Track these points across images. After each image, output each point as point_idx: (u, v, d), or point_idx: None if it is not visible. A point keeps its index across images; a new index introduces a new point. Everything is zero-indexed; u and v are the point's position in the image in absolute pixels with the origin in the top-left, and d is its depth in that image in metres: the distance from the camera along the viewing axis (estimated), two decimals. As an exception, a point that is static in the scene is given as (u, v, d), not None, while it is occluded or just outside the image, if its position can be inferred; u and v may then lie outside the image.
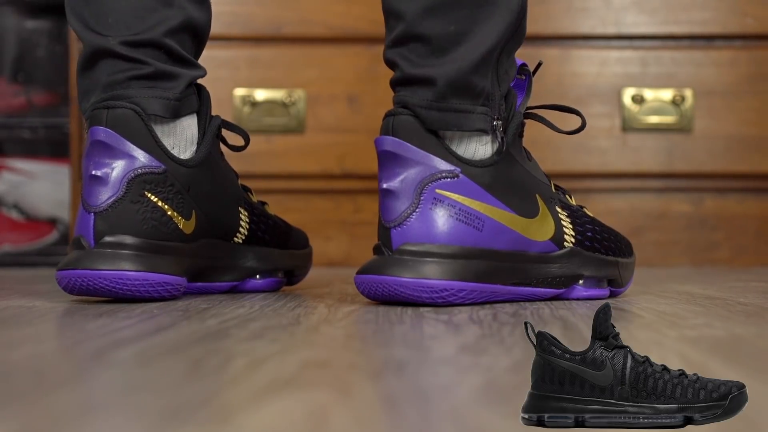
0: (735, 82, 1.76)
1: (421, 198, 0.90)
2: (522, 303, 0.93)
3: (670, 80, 1.76)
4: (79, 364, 0.59)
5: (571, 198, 1.01)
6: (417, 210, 0.90)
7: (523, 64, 0.96)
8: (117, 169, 0.94)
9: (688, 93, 1.75)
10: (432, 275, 0.88)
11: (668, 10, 1.76)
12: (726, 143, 1.75)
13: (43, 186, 1.91)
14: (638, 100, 1.75)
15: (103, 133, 0.94)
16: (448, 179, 0.90)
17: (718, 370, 0.54)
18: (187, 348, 0.65)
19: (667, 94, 1.75)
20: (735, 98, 1.76)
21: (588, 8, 1.76)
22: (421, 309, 0.88)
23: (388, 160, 0.91)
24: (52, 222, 1.91)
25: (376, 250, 0.92)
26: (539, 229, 0.95)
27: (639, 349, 0.63)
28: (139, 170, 0.94)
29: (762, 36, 1.76)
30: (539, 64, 1.00)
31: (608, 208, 1.76)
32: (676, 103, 1.75)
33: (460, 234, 0.90)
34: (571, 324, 0.76)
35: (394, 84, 0.94)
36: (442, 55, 0.92)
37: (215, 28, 1.77)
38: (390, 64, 0.95)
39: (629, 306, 0.91)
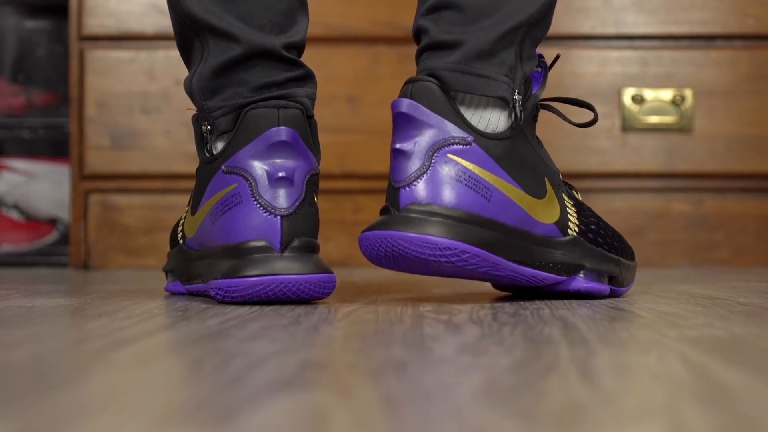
0: (735, 82, 1.76)
1: (433, 161, 0.90)
2: (522, 303, 0.93)
3: (670, 80, 1.76)
4: (79, 364, 0.59)
5: (577, 194, 1.01)
6: (427, 172, 0.90)
7: (540, 56, 0.98)
8: (299, 170, 0.93)
9: (688, 93, 1.75)
10: (437, 233, 0.88)
11: (668, 10, 1.76)
12: (726, 143, 1.76)
13: (43, 186, 1.91)
14: (638, 100, 1.75)
15: (285, 132, 0.92)
16: (461, 146, 0.90)
17: (718, 370, 0.54)
18: (187, 348, 0.65)
19: (667, 94, 1.76)
20: (735, 98, 1.76)
21: (588, 8, 1.76)
22: (421, 309, 0.88)
23: (403, 122, 0.91)
24: (52, 222, 1.91)
25: (383, 210, 0.92)
26: (545, 211, 0.95)
27: (639, 349, 0.63)
28: (315, 171, 0.94)
29: (762, 36, 1.76)
30: (557, 57, 1.03)
31: (608, 208, 1.76)
32: (676, 103, 1.75)
33: (468, 200, 0.90)
34: (571, 324, 0.76)
35: (421, 50, 0.95)
36: (472, 23, 0.93)
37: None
38: (419, 32, 0.95)
39: (629, 306, 0.91)
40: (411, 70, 1.75)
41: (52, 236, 1.91)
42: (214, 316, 0.82)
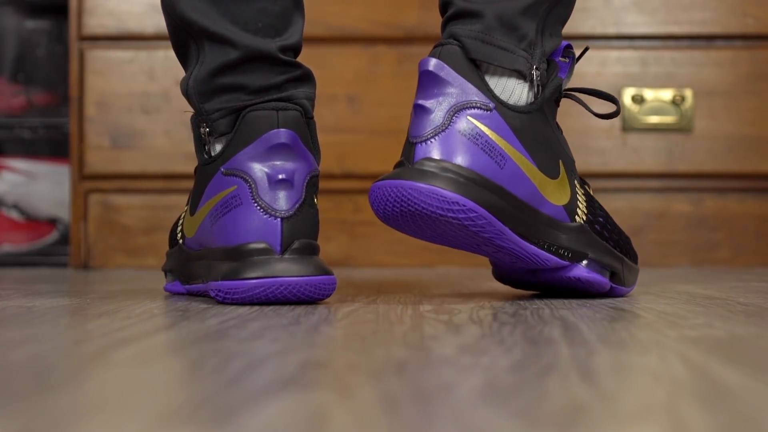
0: (735, 82, 1.76)
1: (452, 120, 0.90)
2: (522, 303, 0.93)
3: (670, 80, 1.76)
4: (79, 364, 0.59)
5: (590, 189, 1.02)
6: (445, 130, 0.90)
7: (569, 45, 0.99)
8: (298, 172, 0.93)
9: (688, 93, 1.75)
10: (447, 188, 0.88)
11: (668, 10, 1.76)
12: (726, 143, 1.76)
13: (43, 186, 1.91)
14: (638, 100, 1.75)
15: (285, 134, 0.92)
16: (482, 110, 0.91)
17: (718, 370, 0.54)
18: (187, 348, 0.65)
19: (667, 94, 1.76)
20: (735, 98, 1.76)
21: (588, 8, 1.76)
22: (421, 309, 0.88)
23: (428, 80, 0.92)
24: (52, 222, 1.91)
25: (398, 165, 0.92)
26: (555, 192, 0.95)
27: (639, 350, 0.63)
28: (314, 172, 0.94)
29: (762, 36, 1.76)
30: (586, 49, 1.04)
31: (608, 208, 1.76)
32: (676, 103, 1.75)
33: (482, 163, 0.90)
34: (571, 324, 0.76)
35: (447, 20, 0.96)
36: None
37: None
38: (445, 4, 0.96)
39: (629, 306, 0.91)
40: (411, 70, 1.75)
41: (52, 236, 1.91)
42: (214, 316, 0.82)
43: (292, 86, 0.96)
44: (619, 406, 0.45)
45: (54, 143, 1.93)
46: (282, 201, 0.92)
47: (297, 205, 0.92)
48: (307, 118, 0.96)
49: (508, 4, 0.94)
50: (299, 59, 0.99)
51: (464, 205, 0.89)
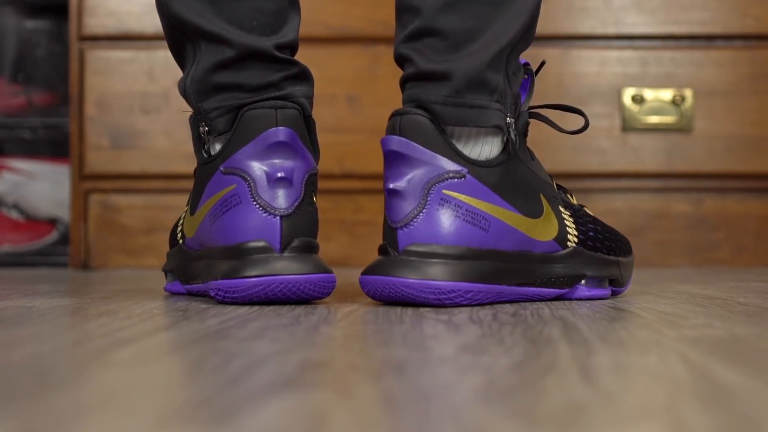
0: (735, 82, 1.76)
1: (428, 198, 0.89)
2: (522, 303, 0.93)
3: (670, 80, 1.76)
4: (79, 364, 0.59)
5: (572, 197, 1.01)
6: (423, 210, 0.89)
7: (526, 64, 0.97)
8: (297, 171, 0.93)
9: (688, 93, 1.75)
10: (439, 277, 0.88)
11: (668, 10, 1.76)
12: (726, 143, 1.75)
13: (43, 186, 1.91)
14: (638, 100, 1.75)
15: (283, 133, 0.92)
16: (455, 179, 0.90)
17: (718, 370, 0.54)
18: (187, 348, 0.65)
19: (667, 94, 1.75)
20: (735, 98, 1.76)
21: (588, 8, 1.76)
22: (421, 309, 0.88)
23: (395, 160, 0.90)
24: (52, 222, 1.91)
25: (382, 250, 0.92)
26: (543, 229, 0.95)
27: (639, 349, 0.63)
28: (313, 171, 0.94)
29: (762, 36, 1.76)
30: (542, 63, 1.01)
31: (608, 208, 1.76)
32: (676, 103, 1.75)
33: (467, 235, 0.90)
34: (571, 324, 0.76)
35: (406, 80, 0.94)
36: (457, 50, 0.91)
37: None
38: (402, 59, 0.94)
39: (629, 306, 0.91)
40: (411, 70, 1.75)
41: (52, 236, 1.91)
42: (214, 316, 0.81)
43: (290, 84, 0.96)
44: (619, 406, 0.45)
45: (54, 143, 1.93)
46: (281, 199, 0.91)
47: (296, 204, 0.92)
48: (306, 116, 0.96)
49: (472, 60, 0.91)
50: (299, 58, 0.99)
51: (459, 290, 0.89)
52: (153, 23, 1.76)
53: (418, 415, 0.43)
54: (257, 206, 0.91)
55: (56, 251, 1.89)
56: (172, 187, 1.76)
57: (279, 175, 0.92)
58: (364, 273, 0.91)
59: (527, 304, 0.93)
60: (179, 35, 0.98)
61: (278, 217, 0.91)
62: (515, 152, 0.94)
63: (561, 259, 0.96)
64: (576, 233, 0.98)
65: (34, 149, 1.94)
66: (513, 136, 0.93)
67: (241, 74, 0.95)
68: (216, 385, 0.49)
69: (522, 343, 0.65)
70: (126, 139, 1.76)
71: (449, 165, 0.90)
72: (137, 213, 1.76)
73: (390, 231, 0.90)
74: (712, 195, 1.76)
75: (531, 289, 0.94)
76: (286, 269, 0.90)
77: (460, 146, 0.92)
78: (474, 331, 0.71)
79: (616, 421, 0.42)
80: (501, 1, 0.93)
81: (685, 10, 1.76)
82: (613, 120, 1.76)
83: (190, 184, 1.66)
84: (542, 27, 1.72)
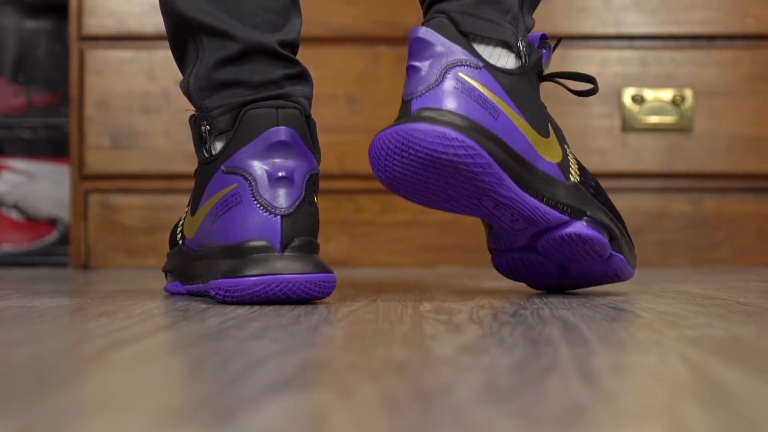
0: (735, 82, 1.76)
1: (444, 77, 0.91)
2: (522, 303, 0.93)
3: (670, 80, 1.76)
4: (79, 364, 0.59)
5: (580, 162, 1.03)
6: (439, 85, 0.91)
7: (544, 36, 1.00)
8: (298, 170, 0.93)
9: (688, 93, 1.75)
10: (448, 127, 0.89)
11: (668, 10, 1.76)
12: (726, 143, 1.75)
13: (43, 186, 1.91)
14: (638, 100, 1.75)
15: (284, 132, 0.92)
16: (472, 68, 0.92)
17: (718, 370, 0.54)
18: (187, 348, 0.65)
19: (667, 94, 1.75)
20: (735, 98, 1.76)
21: (588, 8, 1.76)
22: (421, 309, 0.88)
23: (419, 46, 0.93)
24: (52, 222, 1.91)
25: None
26: (547, 149, 0.96)
27: (639, 349, 0.63)
28: (314, 170, 0.94)
29: (763, 36, 1.76)
30: (558, 41, 1.05)
31: (608, 208, 1.76)
32: (676, 103, 1.75)
33: (477, 113, 0.91)
34: (571, 324, 0.76)
35: None
36: None
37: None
38: None
39: (629, 306, 0.91)
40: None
41: (52, 236, 1.91)
42: (214, 316, 0.82)
43: (290, 84, 0.96)
44: (619, 406, 0.45)
45: (54, 143, 1.93)
46: (282, 199, 0.92)
47: (297, 203, 0.92)
48: (305, 116, 0.96)
49: None
50: (299, 57, 0.99)
51: (464, 142, 0.89)
52: (153, 23, 1.76)
53: (418, 415, 0.43)
54: (258, 205, 0.91)
55: (56, 251, 1.89)
56: (172, 187, 1.76)
57: (280, 174, 0.92)
58: (375, 136, 0.92)
59: (527, 303, 0.93)
60: (182, 34, 0.98)
61: (279, 217, 0.91)
62: (528, 76, 0.96)
63: (564, 187, 0.96)
64: (578, 173, 0.99)
65: (34, 149, 1.94)
66: (525, 56, 0.95)
67: (243, 70, 0.95)
68: (216, 385, 0.49)
69: (522, 343, 0.65)
70: (126, 139, 1.76)
71: (467, 56, 0.92)
72: (137, 213, 1.76)
73: (404, 104, 0.92)
74: (712, 195, 1.76)
75: (532, 199, 0.94)
76: (287, 268, 0.90)
77: (480, 50, 0.94)
78: (474, 331, 0.71)
79: (616, 421, 0.42)
80: None
81: (686, 10, 1.76)
82: (613, 120, 1.76)
83: (190, 184, 1.66)
84: (542, 27, 1.72)
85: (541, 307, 0.90)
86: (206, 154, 0.97)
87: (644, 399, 0.47)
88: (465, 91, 0.91)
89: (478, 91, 0.91)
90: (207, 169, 0.97)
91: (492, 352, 0.61)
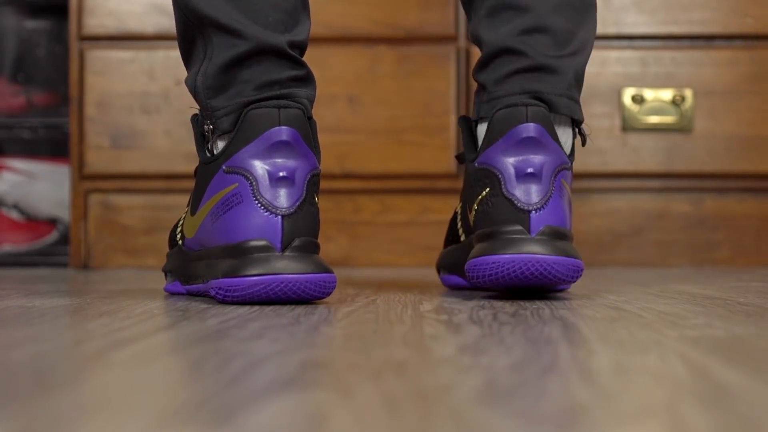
0: (735, 82, 1.76)
1: (554, 185, 0.96)
2: (522, 303, 0.93)
3: (670, 80, 1.76)
4: (79, 364, 0.59)
5: None
6: (553, 196, 0.95)
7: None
8: (299, 170, 0.93)
9: (688, 93, 1.75)
10: (577, 255, 0.95)
11: (668, 10, 1.76)
12: (726, 143, 1.75)
13: (43, 186, 1.91)
14: (638, 100, 1.75)
15: (286, 132, 0.92)
16: (566, 170, 0.97)
17: (718, 370, 0.54)
18: (187, 348, 0.65)
19: (667, 94, 1.75)
20: (735, 98, 1.76)
21: (588, 8, 1.76)
22: (421, 309, 0.88)
23: (530, 146, 0.96)
24: (52, 222, 1.91)
25: (507, 232, 0.95)
26: None
27: (639, 349, 0.63)
28: (315, 171, 0.95)
29: (762, 36, 1.76)
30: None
31: (608, 208, 1.76)
32: (676, 103, 1.75)
33: (570, 220, 0.98)
34: (571, 324, 0.76)
35: (519, 71, 0.99)
36: (561, 48, 1.00)
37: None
38: (510, 51, 0.99)
39: (629, 306, 0.91)
40: (411, 69, 1.75)
41: (52, 236, 1.91)
42: (214, 316, 0.82)
43: (295, 85, 0.96)
44: (619, 406, 0.45)
45: (54, 143, 1.93)
46: (283, 198, 0.91)
47: (298, 203, 0.92)
48: (307, 117, 0.96)
49: (578, 58, 1.00)
50: None
51: (581, 267, 0.96)
52: (153, 23, 1.76)
53: (418, 415, 0.43)
54: (259, 205, 0.91)
55: (56, 251, 1.89)
56: (172, 187, 1.76)
57: (281, 174, 0.92)
58: (485, 254, 0.95)
59: (527, 303, 0.93)
60: (192, 30, 0.98)
61: (280, 217, 0.91)
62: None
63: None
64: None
65: (34, 149, 1.94)
66: (583, 135, 1.02)
67: (251, 70, 0.96)
68: (216, 385, 0.49)
69: (522, 343, 0.65)
70: (126, 139, 1.76)
71: (564, 156, 0.97)
72: (137, 213, 1.76)
73: (518, 212, 0.95)
74: (712, 195, 1.76)
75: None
76: (287, 268, 0.90)
77: (561, 140, 1.00)
78: (474, 331, 0.71)
79: (616, 421, 0.42)
80: (586, 10, 1.01)
81: (685, 10, 1.76)
82: (613, 120, 1.76)
83: (190, 184, 1.66)
84: (542, 27, 1.72)
85: (541, 307, 0.90)
86: (208, 154, 0.97)
87: (644, 399, 0.47)
88: (566, 197, 0.97)
89: (569, 194, 0.98)
90: (208, 168, 0.97)
91: (492, 352, 0.61)
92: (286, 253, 0.90)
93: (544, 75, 0.98)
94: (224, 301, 0.92)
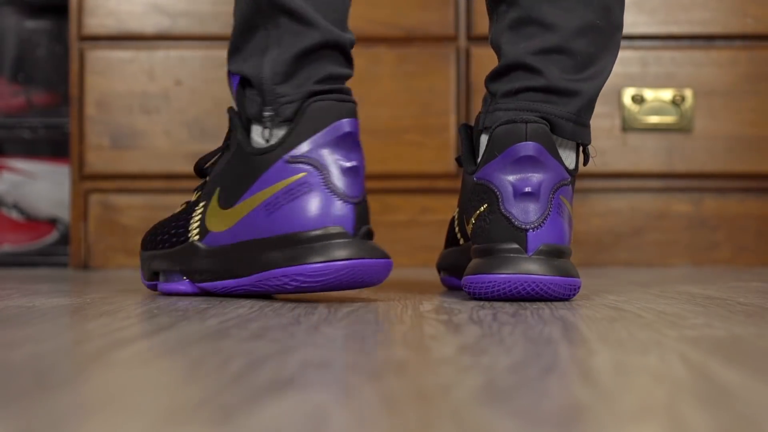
0: (735, 82, 1.76)
1: (552, 203, 0.96)
2: (522, 303, 0.93)
3: (670, 80, 1.76)
4: (79, 364, 0.59)
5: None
6: (551, 214, 0.95)
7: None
8: (361, 161, 0.97)
9: (688, 93, 1.75)
10: (573, 273, 0.95)
11: (668, 10, 1.76)
12: (726, 143, 1.75)
13: (43, 186, 1.91)
14: (638, 100, 1.75)
15: (349, 124, 0.95)
16: (566, 186, 0.97)
17: (718, 370, 0.54)
18: (187, 348, 0.65)
19: (667, 94, 1.75)
20: (735, 98, 1.76)
21: (588, 8, 1.76)
22: (421, 309, 0.88)
23: (528, 165, 0.96)
24: (52, 222, 1.91)
25: (502, 250, 0.95)
26: None
27: (639, 349, 0.63)
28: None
29: (762, 36, 1.76)
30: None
31: (608, 208, 1.76)
32: (676, 103, 1.75)
33: (569, 235, 0.97)
34: (571, 324, 0.76)
35: (531, 89, 0.99)
36: (580, 72, 1.00)
37: (215, 28, 1.77)
38: (527, 68, 0.99)
39: (629, 306, 0.91)
40: (411, 70, 1.75)
41: (52, 236, 1.91)
42: (214, 316, 0.82)
43: (345, 83, 1.00)
44: (619, 406, 0.45)
45: (54, 143, 1.93)
46: (352, 188, 0.95)
47: (363, 193, 0.96)
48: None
49: (594, 83, 1.00)
50: None
51: (579, 285, 0.96)
52: (153, 23, 1.76)
53: (418, 415, 0.43)
54: (332, 194, 0.94)
55: (56, 251, 1.89)
56: (172, 187, 1.76)
57: (350, 164, 0.95)
58: (478, 272, 0.95)
59: (527, 304, 0.93)
60: (258, 18, 0.98)
61: (352, 204, 0.94)
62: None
63: None
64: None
65: (34, 149, 1.94)
66: (586, 155, 1.02)
67: (319, 62, 0.98)
68: (216, 385, 0.49)
69: (522, 343, 0.65)
70: (126, 139, 1.76)
71: (563, 172, 0.97)
72: (137, 213, 1.76)
73: (517, 231, 0.95)
74: (712, 195, 1.76)
75: None
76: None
77: (563, 157, 1.00)
78: (474, 331, 0.71)
79: (616, 421, 0.42)
80: (612, 33, 1.01)
81: (685, 10, 1.76)
82: (613, 120, 1.76)
83: (190, 184, 1.66)
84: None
85: (541, 307, 0.90)
86: (264, 142, 0.97)
87: (644, 399, 0.47)
88: (565, 214, 0.97)
89: (568, 210, 0.98)
90: (261, 159, 0.96)
91: (492, 352, 0.61)
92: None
93: (555, 97, 0.98)
94: (234, 296, 0.92)
